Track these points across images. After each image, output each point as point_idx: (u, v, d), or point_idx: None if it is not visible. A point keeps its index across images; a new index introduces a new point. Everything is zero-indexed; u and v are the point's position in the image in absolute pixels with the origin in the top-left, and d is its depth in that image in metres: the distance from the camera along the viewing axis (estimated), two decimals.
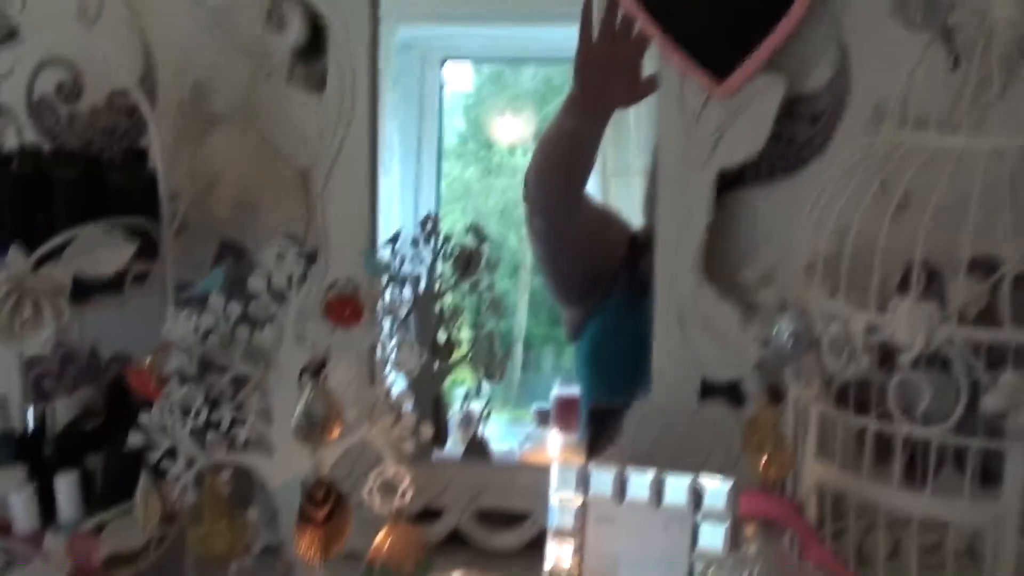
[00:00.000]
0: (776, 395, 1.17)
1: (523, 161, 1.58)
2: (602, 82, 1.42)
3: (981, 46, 1.05)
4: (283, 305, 1.11)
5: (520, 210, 1.55)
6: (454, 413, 1.51)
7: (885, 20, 1.27)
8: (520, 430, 1.61)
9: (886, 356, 1.03)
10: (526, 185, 1.52)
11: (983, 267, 1.06)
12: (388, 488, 1.14)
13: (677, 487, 1.14)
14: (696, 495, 1.13)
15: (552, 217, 1.52)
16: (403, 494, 1.13)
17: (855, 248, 1.06)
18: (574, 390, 1.60)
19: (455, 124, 1.68)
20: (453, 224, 1.55)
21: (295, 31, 1.40)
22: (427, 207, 1.61)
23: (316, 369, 1.09)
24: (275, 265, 1.09)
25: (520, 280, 1.65)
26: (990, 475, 1.33)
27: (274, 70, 1.42)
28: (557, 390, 1.63)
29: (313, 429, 1.06)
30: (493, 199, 1.66)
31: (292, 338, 1.12)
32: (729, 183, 1.33)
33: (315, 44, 1.42)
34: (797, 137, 1.32)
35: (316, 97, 1.41)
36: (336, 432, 1.08)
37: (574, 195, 1.51)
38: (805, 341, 1.01)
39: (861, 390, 1.28)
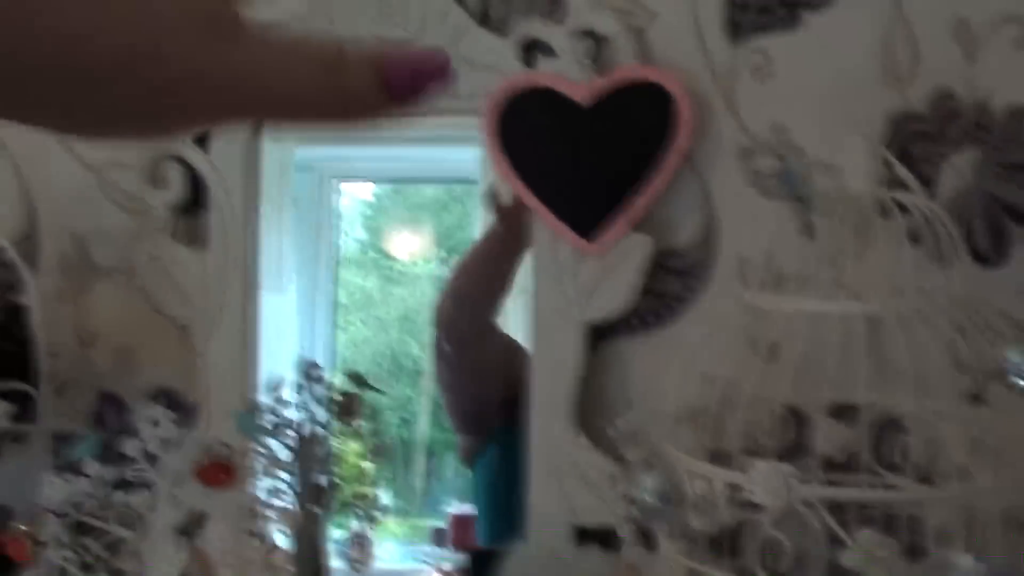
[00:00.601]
0: (650, 543, 1.20)
1: (423, 270, 1.61)
2: (525, 223, 1.45)
3: (835, 215, 1.11)
4: (158, 468, 1.12)
5: (422, 316, 1.57)
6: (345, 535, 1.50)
7: (745, 188, 1.34)
8: (419, 547, 1.61)
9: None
10: (439, 312, 1.55)
11: (849, 415, 1.11)
12: None
13: None
14: None
15: (465, 343, 1.55)
16: None
17: (724, 400, 1.10)
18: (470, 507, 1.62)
19: (356, 233, 1.70)
20: (353, 334, 1.56)
21: (175, 189, 1.43)
22: (324, 320, 1.63)
23: (190, 530, 1.09)
24: (150, 430, 1.10)
25: (422, 387, 1.67)
26: None
27: (155, 226, 1.44)
28: (453, 508, 1.64)
29: None
30: (394, 307, 1.68)
31: (167, 500, 1.13)
32: (603, 335, 1.37)
33: (196, 200, 1.44)
34: (668, 291, 1.36)
35: (198, 253, 1.42)
36: None
37: (489, 322, 1.54)
38: (670, 499, 1.05)
39: (733, 540, 1.32)
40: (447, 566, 1.50)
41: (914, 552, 1.04)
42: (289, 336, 1.56)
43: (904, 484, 1.02)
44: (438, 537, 1.64)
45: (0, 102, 0.39)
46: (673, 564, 1.12)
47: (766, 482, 0.99)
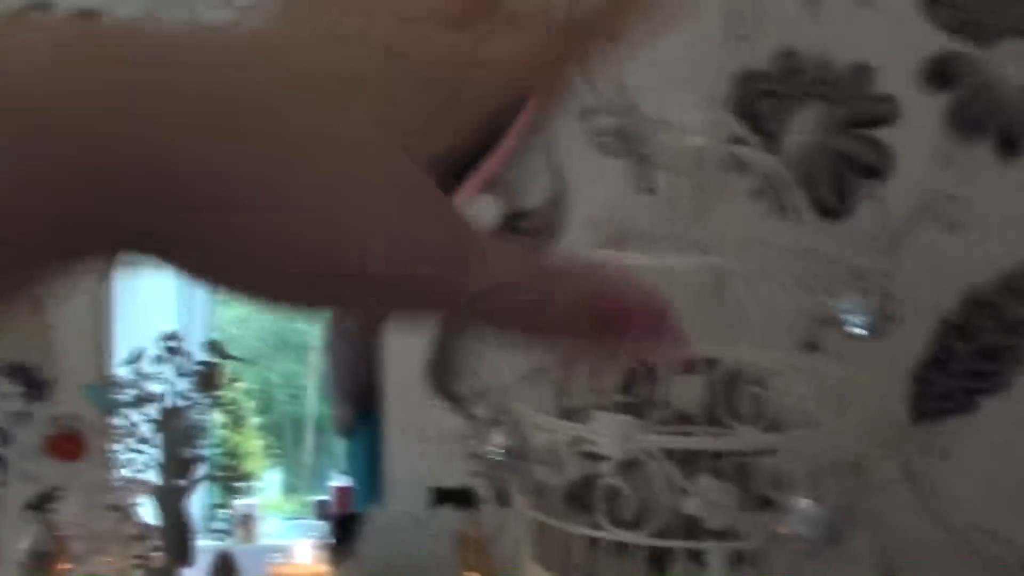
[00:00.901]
0: (504, 500, 1.22)
1: None
2: None
3: (678, 172, 1.13)
4: (9, 442, 1.11)
5: None
6: (235, 509, 1.49)
7: (588, 147, 1.35)
8: (302, 521, 1.60)
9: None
10: None
11: (699, 369, 1.13)
12: None
13: None
14: None
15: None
16: None
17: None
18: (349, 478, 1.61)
19: None
20: (239, 310, 1.54)
21: None
22: (204, 296, 1.62)
23: (40, 504, 1.09)
24: None
25: (309, 363, 1.66)
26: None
27: None
28: (335, 481, 1.63)
29: (40, 565, 1.06)
30: None
31: (18, 475, 1.12)
32: None
33: None
34: None
35: None
36: (64, 566, 1.08)
37: None
38: (517, 454, 1.06)
39: (583, 493, 1.34)
40: (317, 536, 1.51)
41: (755, 499, 1.07)
42: (162, 310, 1.55)
43: (746, 432, 1.05)
44: (321, 510, 1.64)
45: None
46: (523, 519, 1.14)
47: (607, 432, 1.01)
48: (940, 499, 1.47)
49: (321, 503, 1.64)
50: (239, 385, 1.49)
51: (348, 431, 1.62)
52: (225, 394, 1.49)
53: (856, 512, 1.01)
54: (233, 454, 1.47)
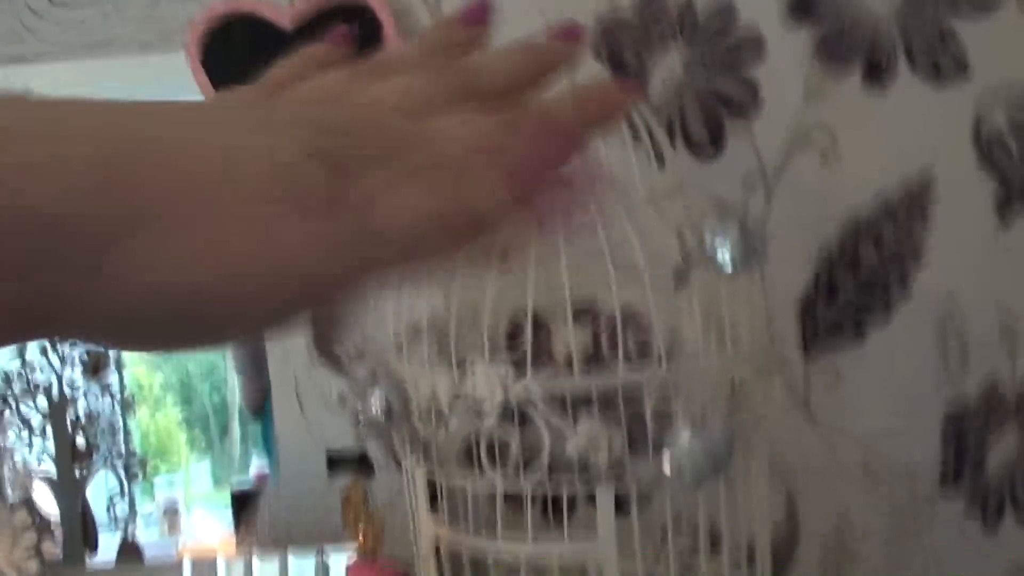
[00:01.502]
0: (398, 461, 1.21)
1: None
2: None
3: None
4: None
5: None
6: (155, 502, 1.47)
7: None
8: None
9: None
10: None
11: (587, 316, 1.14)
12: None
13: (305, 567, 1.17)
14: (324, 573, 1.16)
15: None
16: None
17: (461, 310, 1.11)
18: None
19: None
20: None
21: None
22: None
23: None
24: None
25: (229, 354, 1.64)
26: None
27: None
28: (257, 467, 1.62)
29: None
30: None
31: None
32: None
33: None
34: None
35: None
36: None
37: None
38: (397, 411, 1.06)
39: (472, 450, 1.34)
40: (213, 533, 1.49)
41: (640, 440, 1.08)
42: None
43: (623, 370, 1.05)
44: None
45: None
46: (415, 477, 1.14)
47: (486, 382, 1.01)
48: (832, 428, 1.49)
49: (242, 492, 1.63)
50: (157, 377, 1.46)
51: (257, 407, 1.61)
52: (115, 382, 1.47)
53: (737, 441, 1.02)
54: (146, 442, 1.45)
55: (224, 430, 1.48)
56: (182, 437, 1.45)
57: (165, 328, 0.35)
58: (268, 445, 1.61)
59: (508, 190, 0.39)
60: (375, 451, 1.31)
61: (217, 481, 1.48)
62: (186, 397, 1.43)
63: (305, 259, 0.36)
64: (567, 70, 0.47)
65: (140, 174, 0.33)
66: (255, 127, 0.37)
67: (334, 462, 1.35)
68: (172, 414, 1.44)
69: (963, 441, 1.50)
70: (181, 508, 1.46)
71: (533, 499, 1.06)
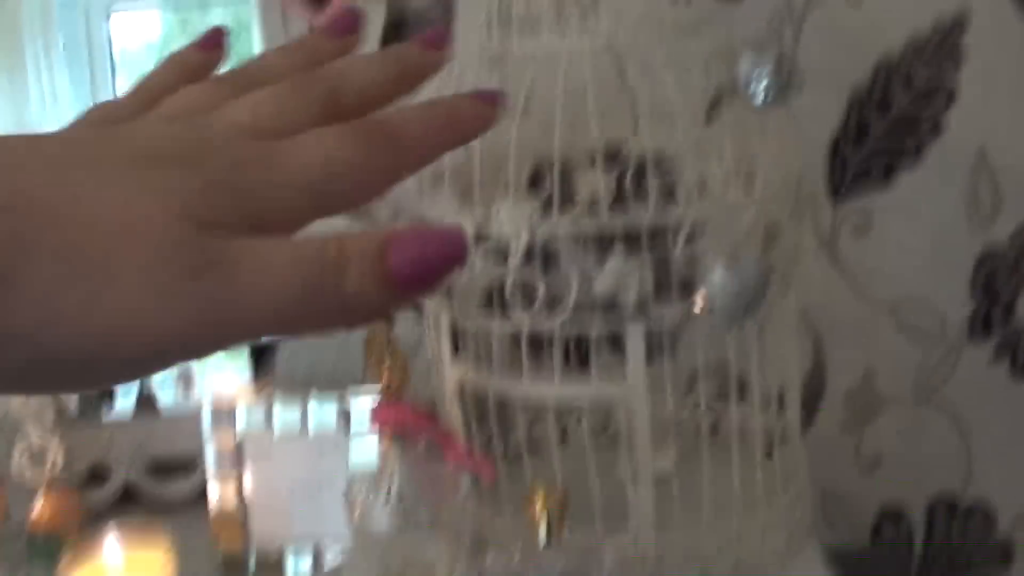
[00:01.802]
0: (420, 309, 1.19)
1: None
2: None
3: None
4: None
5: None
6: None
7: None
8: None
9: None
10: None
11: (611, 158, 1.10)
12: (36, 458, 1.11)
13: (326, 412, 1.15)
14: (345, 417, 1.14)
15: None
16: (52, 462, 1.10)
17: (484, 155, 1.07)
18: None
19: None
20: None
21: None
22: None
23: None
24: None
25: None
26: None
27: None
28: None
29: None
30: None
31: None
32: None
33: None
34: None
35: None
36: None
37: None
38: None
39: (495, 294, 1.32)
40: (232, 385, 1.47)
41: (669, 283, 1.05)
42: None
43: (652, 208, 1.02)
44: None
45: None
46: (438, 323, 1.12)
47: (511, 219, 0.98)
48: (861, 273, 1.46)
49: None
50: None
51: None
52: None
53: (772, 280, 0.99)
54: None
55: None
56: None
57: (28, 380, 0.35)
58: None
59: (384, 289, 0.38)
60: None
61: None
62: None
63: (164, 323, 0.35)
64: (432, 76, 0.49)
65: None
66: (119, 176, 0.37)
67: None
68: None
69: (993, 287, 1.47)
70: (195, 369, 1.44)
71: (556, 343, 1.03)
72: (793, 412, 1.17)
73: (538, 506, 0.90)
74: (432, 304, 1.10)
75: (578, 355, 1.37)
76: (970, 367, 1.49)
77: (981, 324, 1.49)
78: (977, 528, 1.57)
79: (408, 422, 0.94)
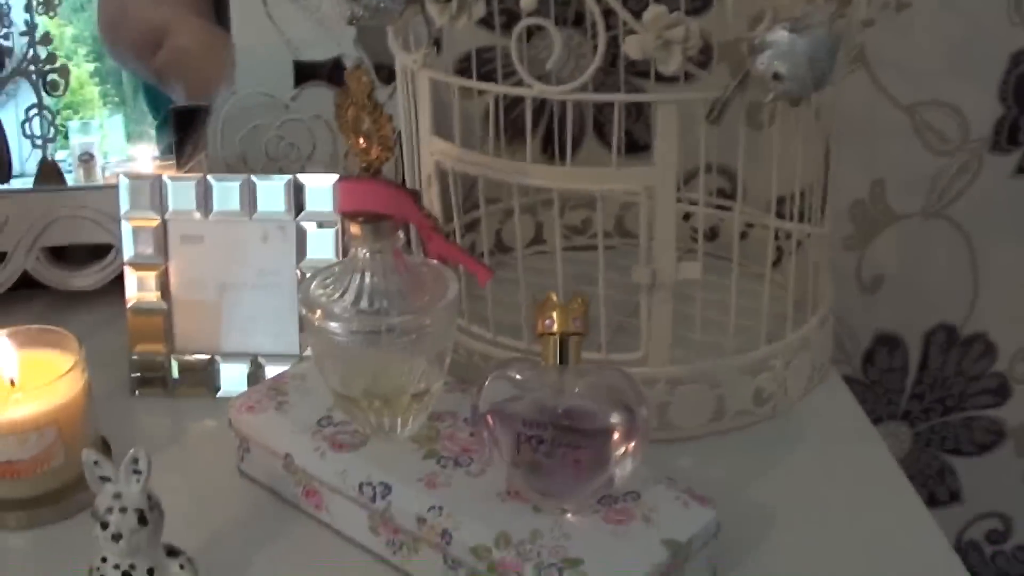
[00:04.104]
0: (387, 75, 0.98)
1: None
2: None
3: None
4: None
5: None
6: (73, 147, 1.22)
7: None
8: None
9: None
10: None
11: None
12: None
13: (273, 191, 0.95)
14: (296, 198, 0.94)
15: None
16: None
17: None
18: None
19: None
20: None
21: None
22: None
23: None
24: None
25: None
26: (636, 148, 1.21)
27: None
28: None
29: None
30: None
31: None
32: None
33: None
34: None
35: None
36: None
37: None
38: None
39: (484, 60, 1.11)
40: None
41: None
42: None
43: None
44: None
45: None
46: (414, 82, 0.91)
47: None
48: (883, 66, 1.27)
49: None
50: (68, 30, 1.19)
51: None
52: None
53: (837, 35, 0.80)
54: (47, 49, 1.19)
55: (137, 86, 1.22)
56: (95, 91, 1.21)
57: None
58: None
59: None
60: (361, 55, 1.06)
61: (130, 137, 1.24)
62: (99, 50, 1.18)
63: None
64: None
65: None
66: None
67: (303, 74, 1.10)
68: (84, 68, 1.19)
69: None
70: (97, 154, 1.21)
71: (534, 131, 0.83)
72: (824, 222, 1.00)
73: (555, 315, 0.71)
74: (414, 57, 0.89)
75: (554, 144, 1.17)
76: (990, 180, 1.33)
77: (1007, 135, 1.31)
78: (974, 361, 1.43)
79: (387, 205, 0.74)
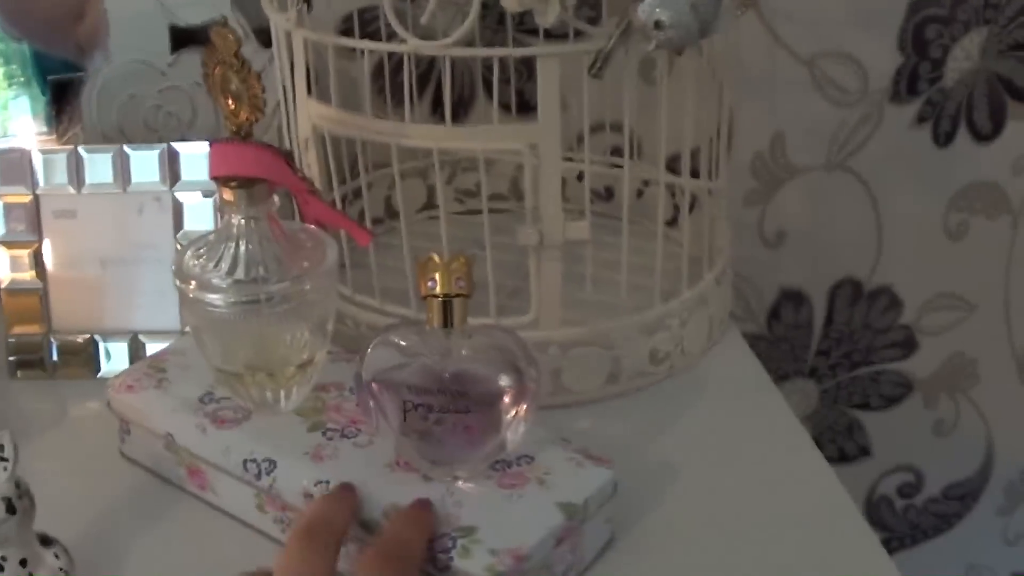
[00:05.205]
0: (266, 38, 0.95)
1: None
2: None
3: None
4: None
5: None
6: None
7: None
8: None
9: None
10: None
11: None
12: None
13: (148, 161, 0.91)
14: (172, 167, 0.90)
15: None
16: None
17: None
18: None
19: None
20: None
21: None
22: None
23: None
24: None
25: None
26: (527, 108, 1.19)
27: None
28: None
29: None
30: None
31: None
32: None
33: None
34: None
35: None
36: None
37: None
38: None
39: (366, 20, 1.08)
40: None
41: None
42: None
43: None
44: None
45: None
46: (289, 44, 0.88)
47: None
48: (785, 22, 1.25)
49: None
50: None
51: None
52: None
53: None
54: None
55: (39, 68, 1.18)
56: None
57: None
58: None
59: None
60: (238, 19, 1.03)
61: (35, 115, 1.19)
62: None
63: None
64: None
65: None
66: None
67: (180, 39, 1.06)
68: None
69: (922, 40, 1.28)
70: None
71: (422, 92, 0.80)
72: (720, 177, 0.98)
73: (437, 276, 0.68)
74: (279, 20, 0.86)
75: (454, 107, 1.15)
76: (891, 131, 1.32)
77: (907, 85, 1.30)
78: (880, 314, 1.43)
79: (257, 168, 0.71)
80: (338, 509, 0.68)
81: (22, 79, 1.18)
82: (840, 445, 1.51)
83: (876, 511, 1.57)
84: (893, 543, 1.59)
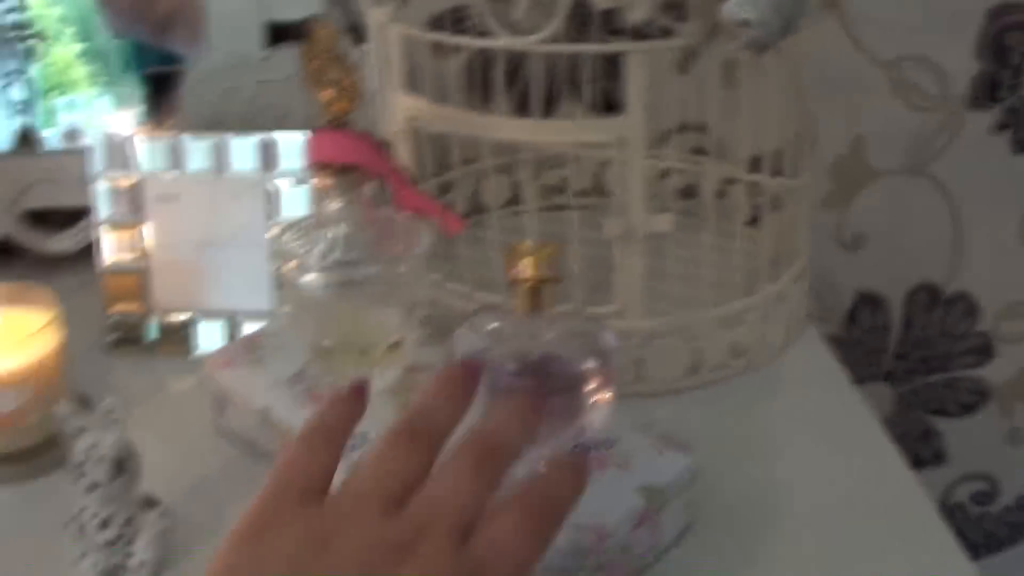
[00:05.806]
0: (360, 33, 0.98)
1: None
2: None
3: None
4: None
5: None
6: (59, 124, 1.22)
7: None
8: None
9: None
10: None
11: None
12: None
13: (244, 149, 0.94)
14: (268, 155, 0.93)
15: None
16: None
17: None
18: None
19: None
20: None
21: None
22: None
23: None
24: None
25: None
26: (611, 108, 1.21)
27: None
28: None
29: None
30: None
31: None
32: None
33: None
34: None
35: None
36: None
37: None
38: None
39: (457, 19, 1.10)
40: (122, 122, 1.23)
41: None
42: None
43: None
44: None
45: None
46: (384, 40, 0.91)
47: None
48: (865, 26, 1.26)
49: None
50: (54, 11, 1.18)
51: None
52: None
53: None
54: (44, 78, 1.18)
55: (127, 64, 1.22)
56: (82, 71, 1.20)
57: None
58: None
59: None
60: (334, 19, 1.06)
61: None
62: (85, 31, 1.17)
63: None
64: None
65: None
66: None
67: (277, 35, 1.09)
68: (71, 48, 1.18)
69: (1003, 47, 1.29)
70: (84, 131, 1.21)
71: (510, 91, 0.83)
72: (801, 177, 1.00)
73: (526, 263, 0.70)
74: (377, 16, 0.89)
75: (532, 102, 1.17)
76: (970, 137, 1.32)
77: (988, 90, 1.31)
78: (958, 320, 1.43)
79: (356, 157, 0.74)
80: (443, 406, 0.58)
81: (105, 78, 1.22)
82: (915, 450, 1.51)
83: (950, 518, 1.57)
84: (967, 551, 1.59)
